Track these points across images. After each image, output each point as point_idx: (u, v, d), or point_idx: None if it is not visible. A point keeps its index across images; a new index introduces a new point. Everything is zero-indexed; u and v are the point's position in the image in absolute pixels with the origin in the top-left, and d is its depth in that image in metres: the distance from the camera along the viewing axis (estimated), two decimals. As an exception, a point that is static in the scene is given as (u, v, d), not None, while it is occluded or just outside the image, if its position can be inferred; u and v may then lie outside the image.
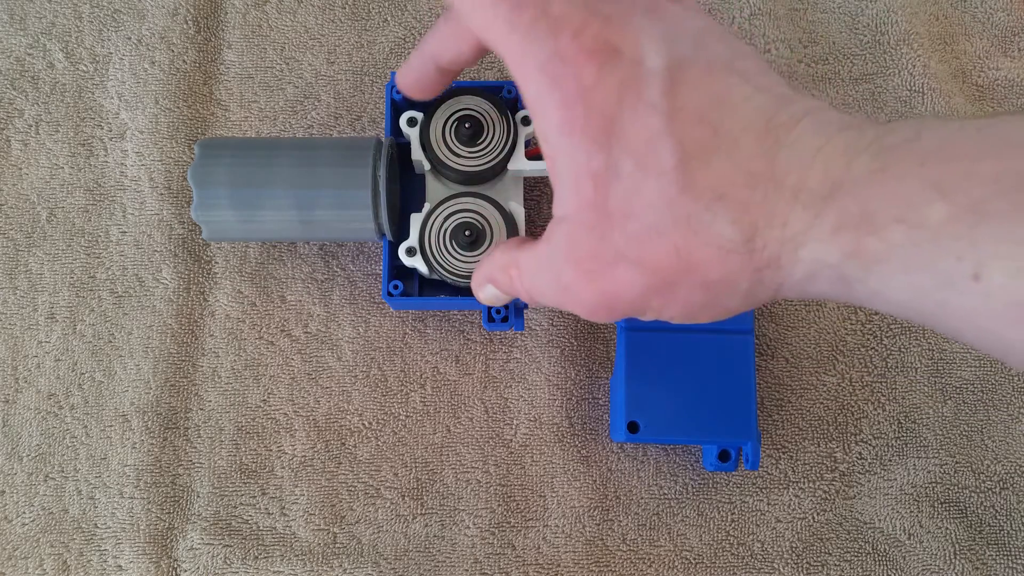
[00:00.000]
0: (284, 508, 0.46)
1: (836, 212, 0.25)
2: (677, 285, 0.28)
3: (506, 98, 0.44)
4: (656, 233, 0.27)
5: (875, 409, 0.47)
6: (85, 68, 0.50)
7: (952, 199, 0.23)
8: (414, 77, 0.36)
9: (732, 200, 0.26)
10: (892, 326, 0.48)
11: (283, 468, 0.46)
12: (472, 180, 0.43)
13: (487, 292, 0.36)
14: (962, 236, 0.23)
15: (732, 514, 0.46)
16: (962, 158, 0.23)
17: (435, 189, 0.43)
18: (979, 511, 0.46)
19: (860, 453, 0.46)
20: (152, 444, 0.47)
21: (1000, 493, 0.46)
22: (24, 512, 0.46)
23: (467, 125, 0.41)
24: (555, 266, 0.31)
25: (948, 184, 0.23)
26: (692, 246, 0.27)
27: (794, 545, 0.46)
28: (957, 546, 0.45)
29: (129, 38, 0.50)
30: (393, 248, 0.43)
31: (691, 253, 0.27)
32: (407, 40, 0.50)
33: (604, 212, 0.28)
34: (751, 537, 0.46)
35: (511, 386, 0.47)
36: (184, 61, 0.50)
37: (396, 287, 0.43)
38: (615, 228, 0.28)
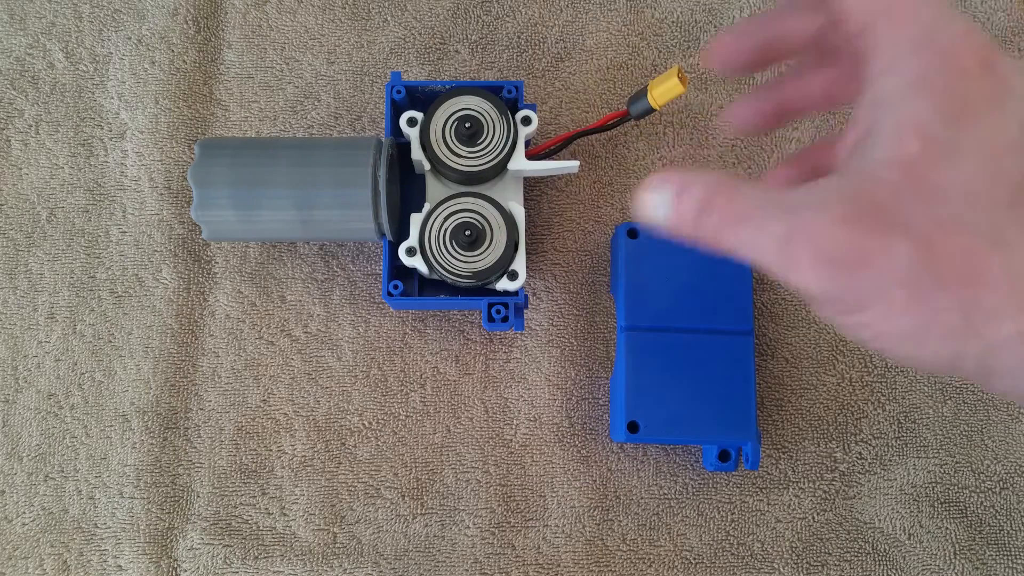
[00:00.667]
0: (284, 508, 0.46)
1: None
2: (941, 290, 0.25)
3: (506, 98, 0.44)
4: (964, 223, 0.24)
5: (875, 409, 0.47)
6: (85, 68, 0.50)
7: None
8: (735, 42, 0.32)
9: None
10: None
11: (283, 468, 0.46)
12: (472, 180, 0.43)
13: (652, 203, 0.29)
14: None
15: (732, 514, 0.46)
16: None
17: (435, 189, 0.43)
18: (979, 511, 0.46)
19: (860, 453, 0.46)
20: (152, 444, 0.47)
21: (1000, 493, 0.46)
22: (24, 512, 0.46)
23: (467, 125, 0.41)
24: (801, 211, 0.26)
25: None
26: (991, 258, 0.24)
27: (794, 545, 0.46)
28: (957, 546, 0.45)
29: (129, 38, 0.50)
30: (393, 248, 0.43)
31: (985, 263, 0.24)
32: (407, 40, 0.50)
33: (918, 177, 0.25)
34: (751, 537, 0.46)
35: (511, 386, 0.47)
36: (184, 61, 0.50)
37: (396, 287, 0.43)
38: (921, 198, 0.25)
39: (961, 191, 0.25)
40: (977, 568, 0.45)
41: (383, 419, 0.47)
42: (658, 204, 0.29)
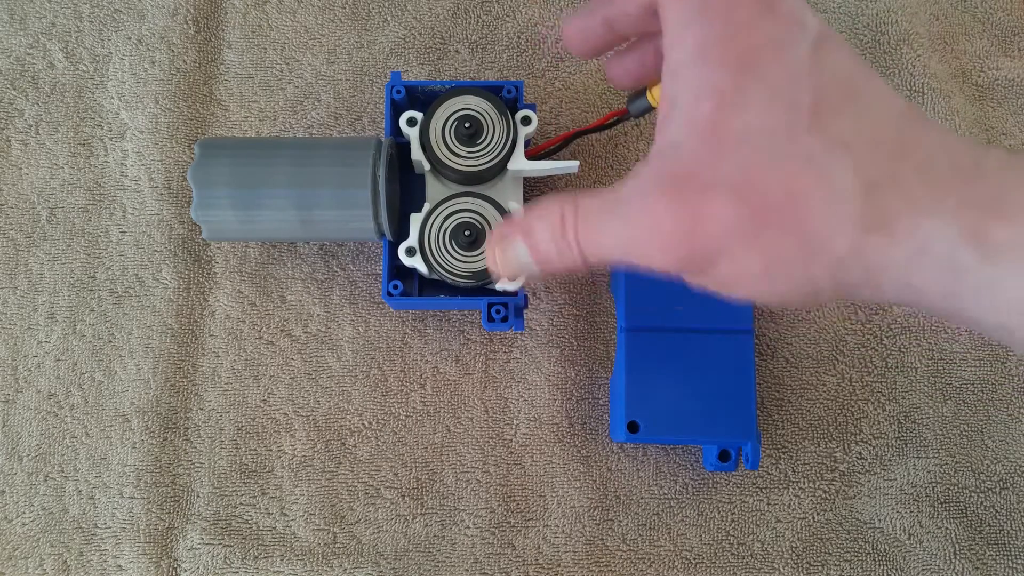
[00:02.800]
0: (284, 508, 0.46)
1: (964, 189, 0.24)
2: (769, 225, 0.26)
3: (506, 98, 0.44)
4: (768, 160, 0.26)
5: (875, 409, 0.47)
6: (85, 68, 0.50)
7: None
8: (578, 29, 0.34)
9: (857, 152, 0.25)
10: (892, 326, 0.48)
11: (283, 468, 0.46)
12: (472, 180, 0.43)
13: (511, 254, 0.31)
14: None
15: (732, 514, 0.46)
16: None
17: (435, 189, 0.43)
18: (979, 511, 0.46)
19: (860, 453, 0.46)
20: (152, 444, 0.47)
21: (1000, 493, 0.46)
22: (24, 512, 0.46)
23: (467, 125, 0.41)
24: (632, 201, 0.28)
25: None
26: (804, 183, 0.25)
27: (794, 545, 0.46)
28: (957, 546, 0.45)
29: (129, 38, 0.50)
30: (393, 248, 0.43)
31: (800, 189, 0.25)
32: (407, 40, 0.50)
33: (717, 133, 0.26)
34: (751, 537, 0.46)
35: (511, 386, 0.47)
36: (184, 61, 0.50)
37: (396, 287, 0.43)
38: (725, 152, 0.26)
39: (759, 132, 0.26)
40: (977, 568, 0.45)
41: (383, 419, 0.47)
42: (519, 260, 0.31)
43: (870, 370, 0.47)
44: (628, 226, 0.28)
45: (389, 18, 0.51)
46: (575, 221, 0.29)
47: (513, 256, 0.31)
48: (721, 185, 0.26)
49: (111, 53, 0.50)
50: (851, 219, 0.25)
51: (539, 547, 0.45)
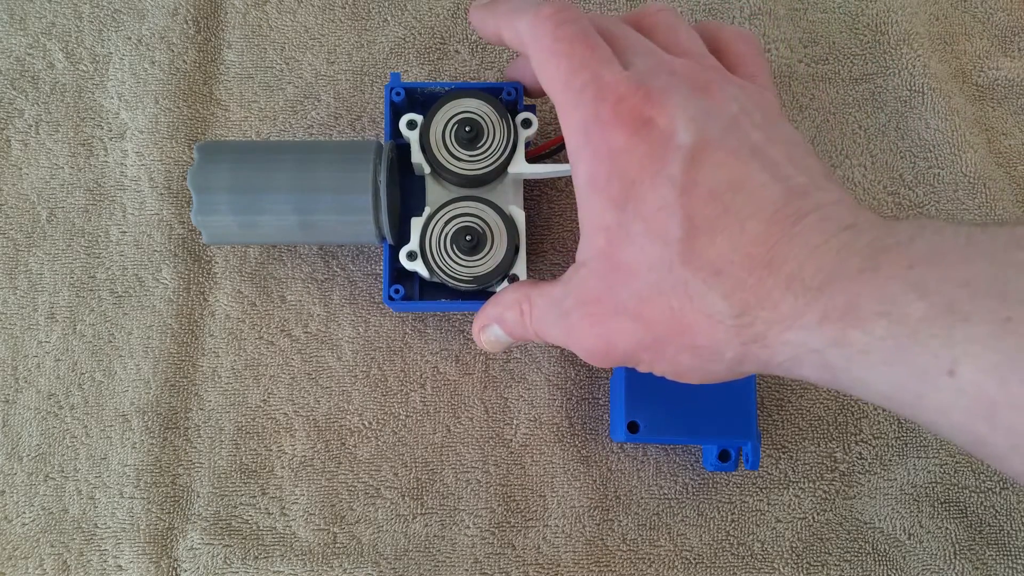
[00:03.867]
0: (284, 508, 0.46)
1: (824, 303, 0.26)
2: (667, 344, 0.30)
3: (506, 100, 0.44)
4: (655, 293, 0.30)
5: (875, 409, 0.47)
6: (85, 68, 0.50)
7: (931, 299, 0.25)
8: (479, 20, 0.38)
9: (728, 277, 0.28)
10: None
11: (283, 468, 0.46)
12: (472, 183, 0.43)
13: (489, 334, 0.39)
14: (938, 334, 0.24)
15: (732, 514, 0.46)
16: (944, 263, 0.25)
17: (435, 192, 0.43)
18: (979, 511, 0.46)
19: (860, 453, 0.46)
20: (152, 444, 0.47)
21: (1000, 493, 0.46)
22: (24, 512, 0.46)
23: (467, 128, 0.41)
24: (565, 306, 0.33)
25: (929, 285, 0.25)
26: (685, 311, 0.29)
27: (794, 545, 0.46)
28: (957, 546, 0.45)
29: (129, 38, 0.50)
30: (394, 252, 0.43)
31: (683, 317, 0.29)
32: (407, 40, 0.50)
33: (612, 265, 0.31)
34: (751, 537, 0.46)
35: (511, 386, 0.47)
36: (184, 61, 0.50)
37: (397, 291, 0.43)
38: (620, 281, 0.31)
39: (642, 266, 0.30)
40: (977, 568, 0.45)
41: (383, 419, 0.47)
42: (496, 337, 0.39)
43: (870, 370, 0.47)
44: (565, 333, 0.34)
45: (389, 18, 0.51)
46: (531, 315, 0.36)
47: (493, 338, 0.39)
48: (622, 312, 0.31)
49: (111, 53, 0.50)
50: (730, 336, 0.29)
51: (539, 547, 0.46)
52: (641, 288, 0.30)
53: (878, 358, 0.26)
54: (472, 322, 0.40)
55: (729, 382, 0.43)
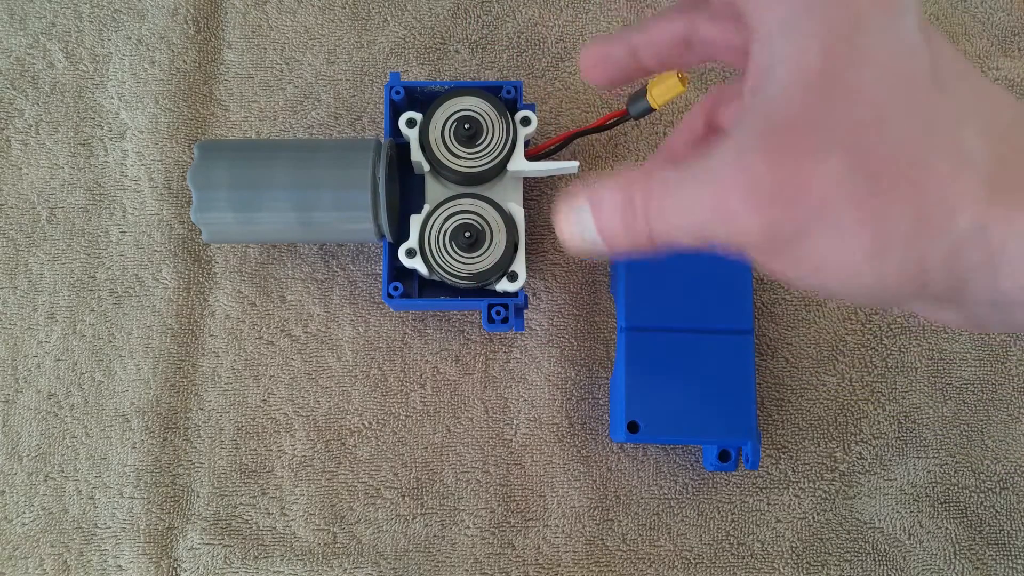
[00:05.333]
0: (284, 508, 0.46)
1: None
2: (884, 194, 0.22)
3: (505, 98, 0.44)
4: (888, 118, 0.23)
5: (875, 409, 0.47)
6: (85, 68, 0.50)
7: None
8: (599, 56, 0.30)
9: (982, 119, 0.23)
10: (892, 326, 0.48)
11: (283, 468, 0.46)
12: (471, 181, 0.43)
13: (578, 228, 0.27)
14: None
15: (732, 514, 0.46)
16: None
17: (434, 190, 0.43)
18: (979, 511, 0.46)
19: (860, 453, 0.46)
20: (152, 444, 0.47)
21: (1000, 493, 0.46)
22: (24, 512, 0.46)
23: (466, 126, 0.41)
24: (722, 161, 0.24)
25: None
26: (927, 144, 0.22)
27: (794, 545, 0.46)
28: (957, 546, 0.45)
29: (129, 38, 0.50)
30: (393, 249, 0.43)
31: (922, 151, 0.22)
32: (407, 40, 0.50)
33: (828, 85, 0.23)
34: (751, 537, 0.46)
35: (511, 386, 0.47)
36: (184, 61, 0.50)
37: (396, 288, 0.43)
38: (836, 105, 0.23)
39: (876, 87, 0.23)
40: (977, 568, 0.45)
41: (383, 419, 0.47)
42: (581, 227, 0.27)
43: (870, 370, 0.47)
44: (714, 188, 0.24)
45: (389, 18, 0.51)
46: (648, 199, 0.26)
47: (578, 229, 0.27)
48: (831, 141, 0.23)
49: (111, 53, 0.50)
50: (977, 188, 0.22)
51: (539, 547, 0.45)
52: (867, 111, 0.23)
53: None
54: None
55: (728, 379, 0.43)
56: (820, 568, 0.45)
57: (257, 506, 0.46)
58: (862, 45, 0.23)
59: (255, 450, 0.47)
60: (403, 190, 0.46)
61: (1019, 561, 0.45)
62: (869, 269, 0.23)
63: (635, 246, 0.27)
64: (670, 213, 0.25)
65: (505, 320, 0.42)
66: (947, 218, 0.22)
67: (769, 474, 0.46)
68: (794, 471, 0.46)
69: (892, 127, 0.22)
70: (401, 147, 0.45)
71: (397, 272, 0.44)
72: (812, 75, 0.23)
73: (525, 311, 0.47)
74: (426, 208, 0.42)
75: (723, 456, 0.43)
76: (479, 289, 0.43)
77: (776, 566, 0.45)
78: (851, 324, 0.48)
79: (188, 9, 0.50)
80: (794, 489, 0.46)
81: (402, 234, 0.43)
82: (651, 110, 0.42)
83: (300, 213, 0.42)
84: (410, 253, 0.42)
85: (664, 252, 0.26)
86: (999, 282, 0.22)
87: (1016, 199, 0.22)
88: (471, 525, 0.46)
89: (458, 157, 0.42)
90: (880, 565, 0.45)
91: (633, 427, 0.43)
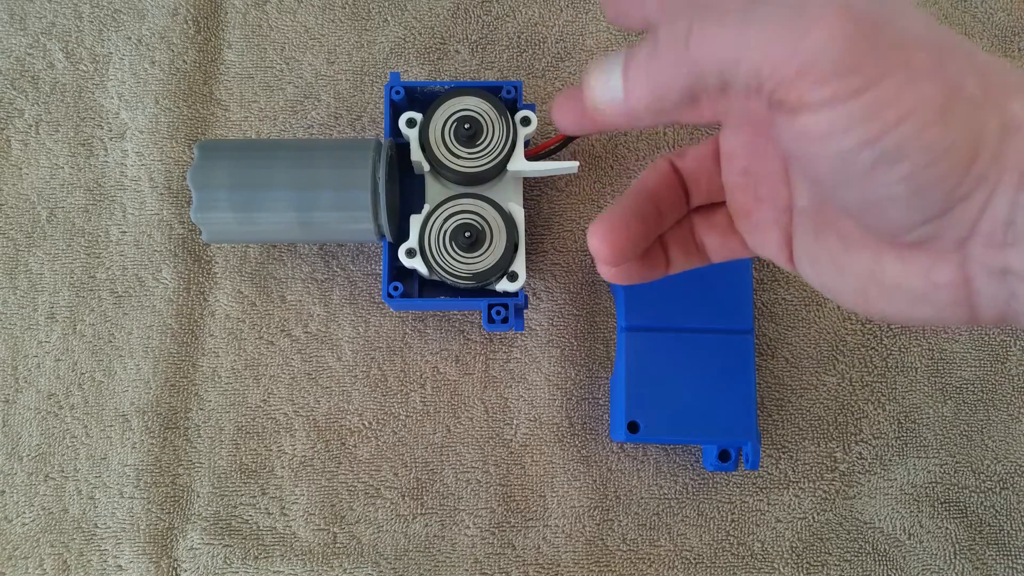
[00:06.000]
0: (284, 508, 0.46)
1: None
2: (956, 50, 0.22)
3: (505, 98, 0.44)
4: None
5: (875, 409, 0.47)
6: (85, 68, 0.50)
7: None
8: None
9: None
10: (892, 326, 0.48)
11: (283, 468, 0.46)
12: (471, 181, 0.43)
13: (607, 66, 0.25)
14: None
15: (732, 514, 0.46)
16: None
17: (435, 190, 0.43)
18: (979, 511, 0.46)
19: (860, 453, 0.46)
20: (152, 444, 0.47)
21: (1000, 493, 0.46)
22: (24, 512, 0.46)
23: (466, 126, 0.41)
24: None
25: None
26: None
27: (794, 545, 0.46)
28: (957, 546, 0.45)
29: (129, 38, 0.50)
30: (393, 249, 0.43)
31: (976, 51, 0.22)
32: (407, 40, 0.50)
33: None
34: (751, 537, 0.46)
35: (511, 386, 0.47)
36: (184, 61, 0.50)
37: (396, 288, 0.43)
38: None
39: None
40: (977, 568, 0.45)
41: (383, 419, 0.47)
42: (609, 74, 0.25)
43: (870, 370, 0.47)
44: (787, 15, 0.21)
45: (389, 18, 0.51)
46: (703, 23, 0.23)
47: (605, 77, 0.25)
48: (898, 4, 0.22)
49: (111, 53, 0.50)
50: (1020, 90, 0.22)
51: (539, 547, 0.45)
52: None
53: None
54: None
55: (728, 379, 0.43)
56: (820, 568, 0.45)
57: (257, 506, 0.46)
58: None
59: (255, 450, 0.47)
60: (403, 190, 0.46)
61: (1019, 561, 0.45)
62: (939, 124, 0.21)
63: (655, 92, 0.24)
64: (728, 35, 0.22)
65: (505, 320, 0.42)
66: (1005, 98, 0.21)
67: (769, 474, 0.46)
68: (794, 471, 0.46)
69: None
70: (401, 147, 0.45)
71: (397, 272, 0.44)
72: None
73: (525, 311, 0.47)
74: (426, 208, 0.42)
75: (723, 456, 0.43)
76: (479, 289, 0.43)
77: (776, 566, 0.45)
78: (851, 324, 0.48)
79: (188, 9, 0.50)
80: (794, 489, 0.46)
81: (402, 234, 0.43)
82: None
83: (300, 213, 0.42)
84: (410, 253, 0.42)
85: (669, 113, 0.25)
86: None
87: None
88: (471, 525, 0.46)
89: (458, 157, 0.42)
90: (880, 565, 0.45)
91: (633, 427, 0.43)
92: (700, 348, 0.44)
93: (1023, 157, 0.21)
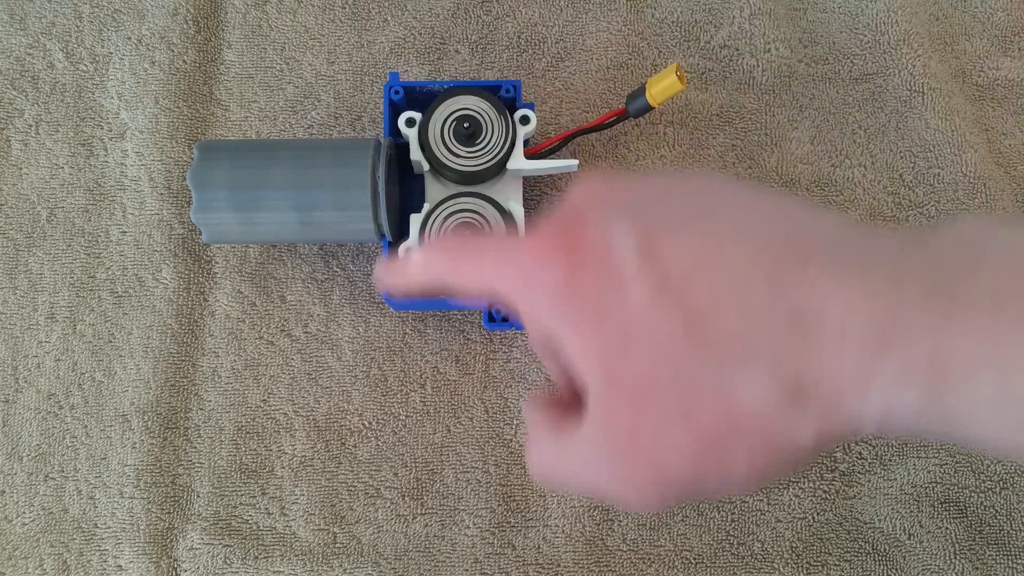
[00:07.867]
0: (284, 508, 0.46)
1: (899, 357, 0.22)
2: (730, 445, 0.24)
3: (504, 98, 0.44)
4: (686, 409, 0.24)
5: (875, 409, 0.47)
6: (85, 68, 0.50)
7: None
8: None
9: (760, 353, 0.23)
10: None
11: (283, 468, 0.46)
12: (471, 180, 0.43)
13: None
14: None
15: (732, 514, 0.46)
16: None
17: (434, 189, 0.43)
18: (979, 511, 0.46)
19: (860, 453, 0.46)
20: (152, 444, 0.47)
21: (1000, 493, 0.46)
22: (24, 512, 0.46)
23: (466, 125, 0.41)
24: (597, 450, 0.27)
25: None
26: (733, 410, 0.24)
27: (794, 545, 0.46)
28: (957, 546, 0.45)
29: (129, 38, 0.50)
30: (393, 248, 0.43)
31: (735, 418, 0.24)
32: (407, 40, 0.50)
33: (623, 391, 0.25)
34: (751, 537, 0.46)
35: (511, 386, 0.47)
36: (184, 61, 0.50)
37: (396, 287, 0.43)
38: (642, 404, 0.25)
39: (664, 378, 0.25)
40: (977, 568, 0.45)
41: (383, 419, 0.47)
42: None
43: (870, 370, 0.47)
44: (608, 480, 0.28)
45: (389, 18, 0.51)
46: (559, 446, 0.29)
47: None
48: (662, 431, 0.25)
49: (111, 53, 0.50)
50: (800, 415, 0.23)
51: (539, 547, 0.45)
52: (669, 407, 0.25)
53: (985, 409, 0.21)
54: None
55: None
56: (820, 568, 0.45)
57: (257, 506, 0.46)
58: (613, 340, 0.25)
59: (255, 450, 0.47)
60: (403, 190, 0.46)
61: (1019, 561, 0.45)
62: (778, 473, 0.26)
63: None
64: (581, 479, 0.29)
65: (506, 319, 0.42)
66: (796, 438, 0.24)
67: (769, 474, 0.46)
68: (794, 471, 0.46)
69: (689, 409, 0.25)
70: (401, 147, 0.45)
71: (397, 272, 0.44)
72: (607, 388, 0.26)
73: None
74: (426, 207, 0.42)
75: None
76: (479, 288, 0.43)
77: (776, 566, 0.45)
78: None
79: (188, 9, 0.50)
80: (794, 489, 0.46)
81: (402, 233, 0.43)
82: (650, 108, 0.42)
83: (300, 213, 0.42)
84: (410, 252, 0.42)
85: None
86: (865, 431, 0.24)
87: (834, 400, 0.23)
88: (471, 525, 0.46)
89: (458, 156, 0.42)
90: (880, 565, 0.45)
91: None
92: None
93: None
